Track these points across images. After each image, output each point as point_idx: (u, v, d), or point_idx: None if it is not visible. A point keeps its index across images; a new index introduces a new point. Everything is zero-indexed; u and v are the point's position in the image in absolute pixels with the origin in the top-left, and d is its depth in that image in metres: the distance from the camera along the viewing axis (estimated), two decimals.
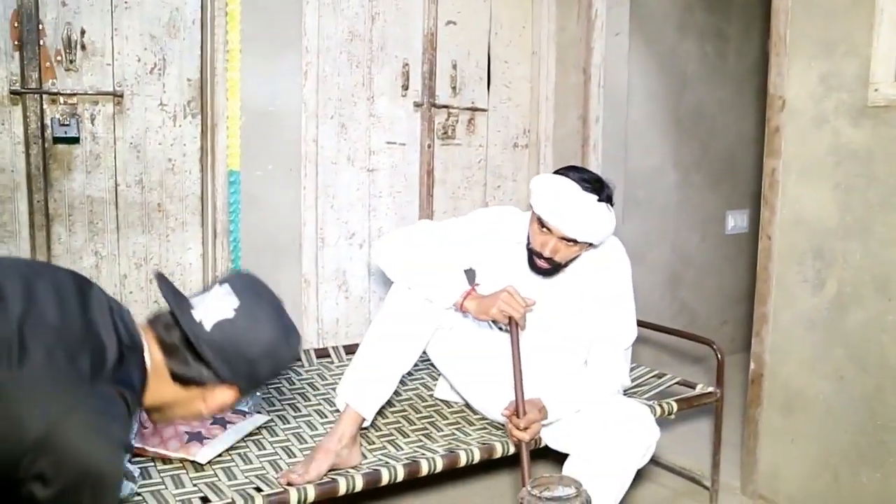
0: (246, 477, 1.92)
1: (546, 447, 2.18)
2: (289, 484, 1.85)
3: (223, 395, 1.41)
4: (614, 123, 3.41)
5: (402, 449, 2.14)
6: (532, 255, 2.15)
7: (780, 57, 2.54)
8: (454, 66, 3.26)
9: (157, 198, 2.74)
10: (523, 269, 2.22)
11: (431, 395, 2.56)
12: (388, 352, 2.10)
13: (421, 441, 2.20)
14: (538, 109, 3.44)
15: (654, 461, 2.84)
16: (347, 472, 1.95)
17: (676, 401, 2.45)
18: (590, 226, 2.05)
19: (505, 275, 2.23)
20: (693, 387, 2.62)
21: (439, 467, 2.00)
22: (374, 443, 2.18)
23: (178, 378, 1.37)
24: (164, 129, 2.72)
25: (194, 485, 1.87)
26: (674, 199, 3.90)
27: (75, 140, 2.56)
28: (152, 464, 1.96)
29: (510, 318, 2.02)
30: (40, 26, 2.49)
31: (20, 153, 2.50)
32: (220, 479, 1.90)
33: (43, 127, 2.52)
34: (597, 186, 2.10)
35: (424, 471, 1.98)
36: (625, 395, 2.49)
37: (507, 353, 2.15)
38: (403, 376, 2.15)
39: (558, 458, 2.15)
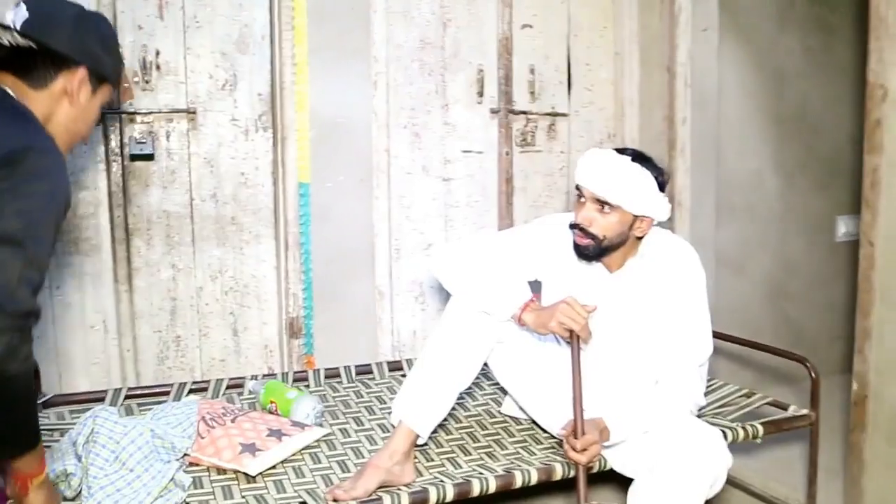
0: (295, 490, 1.89)
1: (612, 470, 2.04)
2: (334, 500, 1.80)
3: (76, 79, 1.55)
4: (703, 125, 3.22)
5: (461, 468, 2.05)
6: (574, 236, 2.05)
7: (881, 41, 2.30)
8: (532, 71, 3.16)
9: (231, 211, 2.78)
10: (589, 279, 2.10)
11: (500, 412, 2.46)
12: (444, 368, 2.02)
13: (482, 459, 2.10)
14: (623, 112, 3.29)
15: (743, 488, 2.65)
16: (396, 489, 1.89)
17: (763, 423, 2.25)
18: (619, 184, 1.95)
19: (569, 285, 2.11)
20: (785, 408, 2.41)
21: (492, 488, 1.91)
22: (433, 460, 2.10)
23: (33, 83, 1.52)
24: (237, 144, 2.76)
25: (243, 496, 1.85)
26: (775, 204, 3.64)
27: (150, 157, 2.63)
28: (207, 474, 1.96)
29: (570, 331, 1.91)
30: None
31: (101, 171, 2.59)
32: (268, 492, 1.88)
33: (122, 145, 2.61)
34: (633, 153, 2.01)
35: (476, 491, 1.89)
36: (708, 416, 2.33)
37: (562, 368, 2.04)
38: (471, 390, 2.08)
39: (625, 482, 2.01)
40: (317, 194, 2.80)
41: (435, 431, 2.14)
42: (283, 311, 2.83)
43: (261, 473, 1.95)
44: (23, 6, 1.51)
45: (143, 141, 2.60)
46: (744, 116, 3.49)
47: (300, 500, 1.84)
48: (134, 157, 2.61)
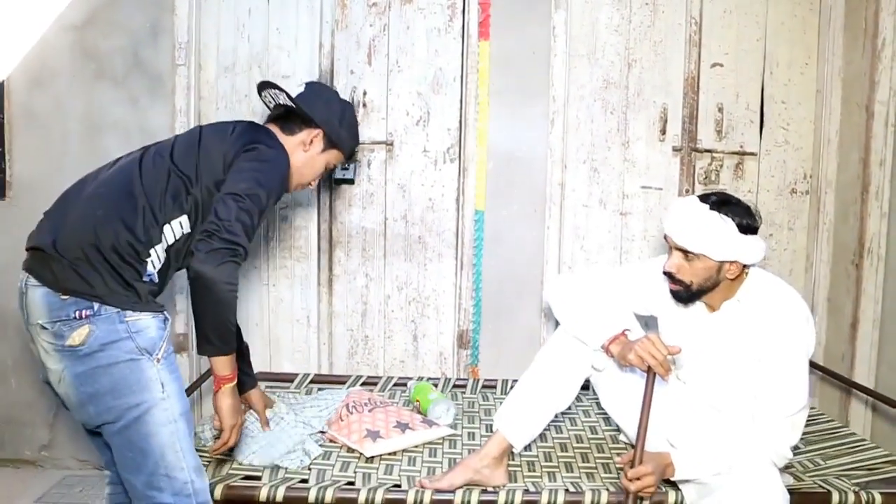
0: (399, 475, 2.19)
1: None
2: (421, 486, 2.08)
3: (312, 135, 2.18)
4: None
5: (556, 481, 2.21)
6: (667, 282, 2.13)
7: None
8: (720, 109, 3.17)
9: (419, 231, 3.16)
10: (689, 318, 2.15)
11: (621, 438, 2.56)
12: (540, 387, 2.21)
13: (581, 478, 2.24)
14: (820, 153, 3.15)
15: None
16: (485, 488, 2.11)
17: (883, 494, 2.12)
18: (698, 232, 2.01)
19: (671, 322, 2.19)
20: None
21: (560, 501, 2.05)
22: (535, 471, 2.29)
23: (286, 132, 2.15)
24: (427, 172, 3.14)
25: (355, 471, 2.21)
26: None
27: (351, 181, 3.10)
28: (338, 450, 2.35)
29: (649, 366, 2.00)
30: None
31: (313, 192, 3.11)
32: (377, 472, 2.21)
33: (332, 170, 3.10)
34: (716, 200, 2.03)
35: (545, 501, 2.05)
36: (834, 473, 2.24)
37: (661, 401, 2.12)
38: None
39: None
40: (491, 221, 3.09)
41: (528, 447, 2.34)
42: (456, 324, 3.16)
43: (378, 456, 2.29)
44: (304, 86, 2.29)
45: (346, 168, 3.07)
46: None
47: (397, 483, 2.14)
48: (338, 182, 3.10)
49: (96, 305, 1.68)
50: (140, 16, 2.96)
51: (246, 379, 2.32)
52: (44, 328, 1.69)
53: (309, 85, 2.30)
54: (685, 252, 2.04)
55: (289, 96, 2.19)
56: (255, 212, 1.84)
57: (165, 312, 1.83)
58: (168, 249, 1.86)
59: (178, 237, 1.87)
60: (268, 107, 2.33)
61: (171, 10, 2.96)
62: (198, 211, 1.89)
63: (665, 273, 2.10)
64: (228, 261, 1.75)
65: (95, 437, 1.90)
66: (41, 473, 3.08)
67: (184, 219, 1.87)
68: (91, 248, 1.72)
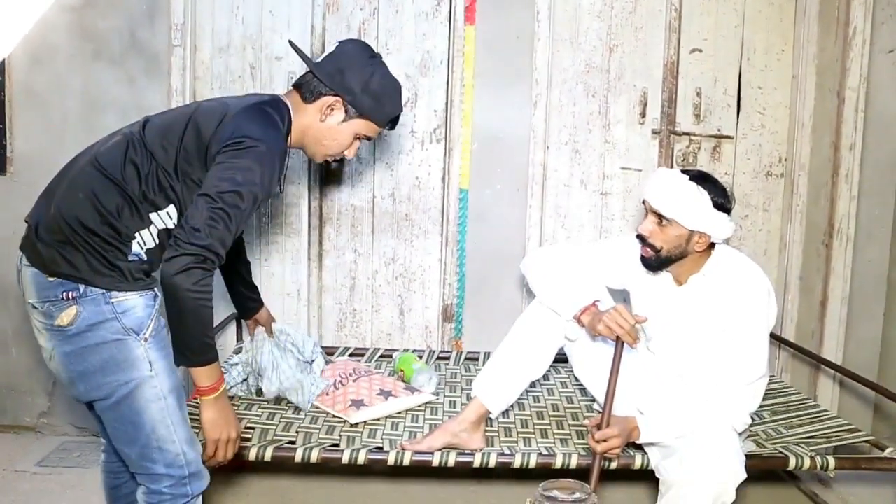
0: (382, 438, 2.32)
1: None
2: (402, 448, 2.21)
3: (328, 103, 1.97)
4: (880, 152, 3.10)
5: (531, 446, 2.34)
6: (640, 248, 2.24)
7: None
8: (698, 94, 3.27)
9: (406, 209, 3.27)
10: (658, 290, 2.27)
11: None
12: (516, 356, 2.33)
13: (555, 444, 2.37)
14: (794, 136, 3.26)
15: None
16: (462, 451, 2.24)
17: (838, 458, 2.24)
18: (674, 199, 2.10)
19: (641, 294, 2.31)
20: (882, 449, 2.35)
21: (532, 463, 2.18)
22: (511, 436, 2.41)
23: (305, 99, 1.98)
24: (414, 152, 3.24)
25: (339, 435, 2.33)
26: None
27: (341, 160, 3.20)
28: (325, 415, 2.47)
29: (617, 335, 2.12)
30: None
31: (305, 169, 3.22)
32: (360, 435, 2.33)
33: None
34: (696, 174, 2.14)
35: (517, 464, 2.18)
36: (794, 441, 2.37)
37: (631, 370, 2.24)
38: None
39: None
40: (475, 199, 3.20)
41: (506, 415, 2.47)
42: (441, 299, 3.28)
43: (363, 422, 2.41)
44: (335, 44, 2.04)
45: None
46: None
47: (380, 445, 2.27)
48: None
49: (82, 287, 1.70)
50: None
51: (251, 304, 2.67)
52: (34, 307, 1.74)
53: (341, 44, 2.03)
54: (659, 216, 2.14)
55: (304, 57, 2.02)
56: (230, 215, 1.71)
57: (156, 289, 1.82)
58: (160, 233, 1.83)
59: (168, 225, 1.83)
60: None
61: None
62: (183, 203, 1.82)
63: (638, 236, 2.21)
64: (193, 267, 1.65)
65: (91, 409, 1.94)
66: (41, 439, 3.20)
67: (171, 209, 1.82)
68: (72, 231, 1.72)
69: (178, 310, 1.67)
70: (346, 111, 1.99)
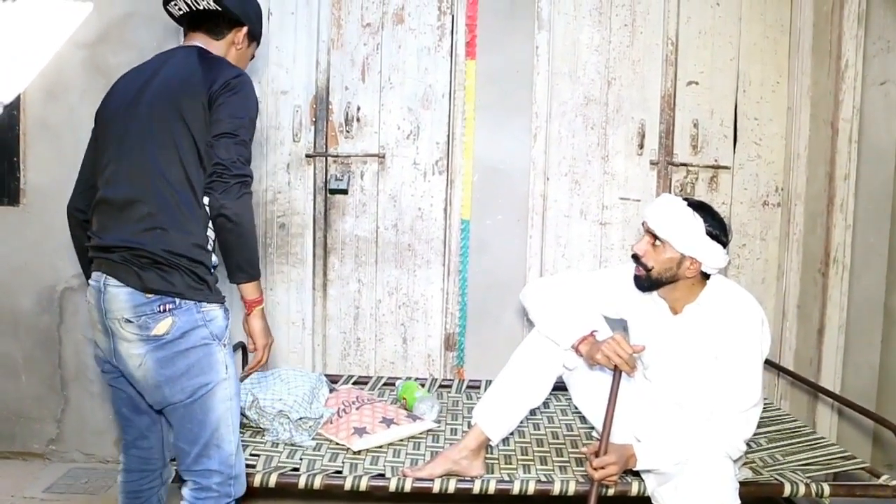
0: (383, 465, 2.36)
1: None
2: (403, 475, 2.25)
3: (241, 34, 2.13)
4: (874, 182, 3.16)
5: (531, 473, 2.37)
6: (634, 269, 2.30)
7: None
8: (695, 125, 3.34)
9: (408, 239, 3.34)
10: (655, 319, 2.32)
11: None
12: (515, 384, 2.37)
13: (554, 471, 2.40)
14: (790, 167, 3.32)
15: None
16: (462, 478, 2.28)
17: (832, 485, 2.28)
18: (668, 221, 2.17)
19: (639, 323, 2.36)
20: (878, 476, 2.38)
21: (530, 490, 2.22)
22: (511, 463, 2.45)
23: (214, 36, 2.11)
24: (416, 184, 3.31)
25: (342, 461, 2.37)
26: None
27: (345, 191, 3.28)
28: (328, 443, 2.51)
29: (615, 364, 2.16)
30: (329, 106, 3.28)
31: (310, 201, 3.29)
32: (363, 462, 2.37)
33: (326, 181, 3.29)
34: (695, 202, 2.21)
35: (516, 491, 2.22)
36: (790, 468, 2.40)
37: (628, 397, 2.29)
38: None
39: None
40: (476, 229, 3.27)
41: (506, 442, 2.51)
42: (444, 327, 3.33)
43: (366, 449, 2.45)
44: None
45: (341, 178, 3.25)
46: None
47: (382, 472, 2.31)
48: (332, 192, 3.28)
49: (177, 300, 1.89)
50: (148, 34, 3.14)
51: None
52: (129, 321, 1.89)
53: None
54: (654, 236, 2.21)
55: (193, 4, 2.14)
56: (248, 141, 1.95)
57: (226, 305, 2.01)
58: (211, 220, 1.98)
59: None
60: (172, 17, 2.18)
61: (176, 28, 3.14)
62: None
63: (633, 256, 2.28)
64: (244, 193, 1.88)
65: (128, 422, 2.11)
66: (49, 466, 3.25)
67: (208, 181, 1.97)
68: (166, 255, 1.88)
69: (239, 233, 1.89)
70: (248, 38, 2.19)
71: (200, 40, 2.12)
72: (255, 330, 2.06)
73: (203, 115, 1.92)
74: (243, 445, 2.45)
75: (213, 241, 1.97)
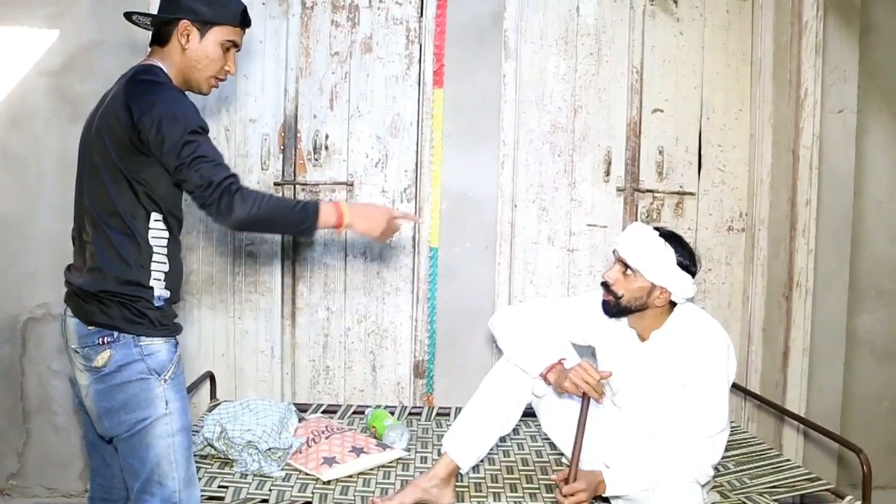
0: (354, 495, 2.34)
1: None
2: None
3: (180, 30, 1.96)
4: (834, 207, 3.23)
5: (501, 501, 2.37)
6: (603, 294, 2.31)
7: None
8: (660, 152, 3.39)
9: (377, 267, 3.34)
10: (622, 346, 2.34)
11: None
12: (484, 412, 2.37)
13: (524, 498, 2.40)
14: (754, 192, 3.39)
15: None
16: None
17: None
18: (640, 250, 2.19)
19: (606, 350, 2.38)
20: (842, 497, 2.41)
21: None
22: (481, 491, 2.44)
23: (162, 44, 2.00)
24: None
25: (312, 492, 2.35)
26: None
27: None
28: (297, 473, 2.49)
29: (583, 391, 2.17)
30: (297, 134, 3.28)
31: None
32: (333, 493, 2.35)
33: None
34: (667, 232, 2.24)
35: None
36: (758, 490, 2.42)
37: (597, 424, 2.30)
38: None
39: None
40: (445, 257, 3.28)
41: (476, 469, 2.50)
42: (413, 355, 3.32)
43: (335, 479, 2.43)
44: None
45: None
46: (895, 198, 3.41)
47: (351, 501, 2.29)
48: None
49: (115, 333, 1.88)
50: (115, 62, 3.11)
51: None
52: (76, 351, 1.92)
53: None
54: (625, 265, 2.23)
55: (143, 14, 2.07)
56: (206, 148, 1.82)
57: (177, 338, 1.98)
58: (166, 250, 1.93)
59: (165, 234, 1.92)
60: (147, 29, 2.10)
61: (144, 55, 3.13)
62: (153, 199, 1.89)
63: (602, 283, 2.30)
64: (233, 199, 1.78)
65: (93, 447, 2.09)
66: (9, 502, 3.18)
67: (154, 216, 1.90)
68: (103, 294, 1.88)
69: (261, 223, 1.86)
70: (197, 29, 1.98)
71: (155, 54, 2.03)
72: (364, 234, 2.04)
73: (131, 149, 1.84)
74: (211, 477, 2.44)
75: (164, 274, 1.93)
